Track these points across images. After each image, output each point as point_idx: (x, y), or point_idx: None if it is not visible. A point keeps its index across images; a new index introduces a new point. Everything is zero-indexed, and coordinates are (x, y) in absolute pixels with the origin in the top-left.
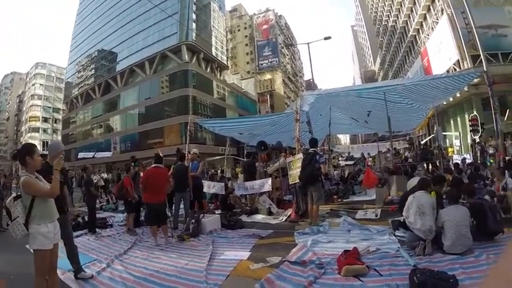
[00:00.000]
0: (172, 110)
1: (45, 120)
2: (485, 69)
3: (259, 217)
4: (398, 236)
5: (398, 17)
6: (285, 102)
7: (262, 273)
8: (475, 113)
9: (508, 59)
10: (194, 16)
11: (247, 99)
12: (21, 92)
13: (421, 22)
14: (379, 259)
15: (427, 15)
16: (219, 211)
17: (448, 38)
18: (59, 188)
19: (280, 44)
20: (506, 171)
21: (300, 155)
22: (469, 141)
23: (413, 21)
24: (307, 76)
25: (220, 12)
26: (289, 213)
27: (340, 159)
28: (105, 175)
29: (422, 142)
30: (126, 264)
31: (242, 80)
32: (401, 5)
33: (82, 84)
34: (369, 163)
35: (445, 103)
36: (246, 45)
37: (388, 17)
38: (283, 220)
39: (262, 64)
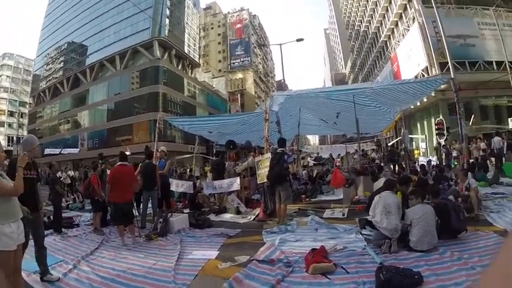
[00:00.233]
0: (142, 106)
1: (11, 114)
2: (452, 77)
3: (227, 216)
4: (365, 234)
5: (370, 23)
6: (255, 102)
7: (230, 273)
8: (441, 117)
9: (474, 67)
10: (168, 12)
11: (217, 98)
12: None
13: (393, 29)
14: (346, 257)
15: (399, 23)
16: (187, 210)
17: (418, 45)
18: (22, 186)
19: (253, 43)
20: (469, 173)
21: (269, 155)
22: (435, 144)
23: (385, 27)
24: (278, 77)
25: (194, 9)
26: (257, 213)
27: (309, 159)
28: (72, 173)
29: (389, 144)
30: (93, 265)
31: (213, 78)
32: (374, 11)
33: (50, 78)
34: (337, 163)
35: (412, 107)
36: (219, 43)
37: (361, 22)
38: (252, 219)
39: (234, 63)
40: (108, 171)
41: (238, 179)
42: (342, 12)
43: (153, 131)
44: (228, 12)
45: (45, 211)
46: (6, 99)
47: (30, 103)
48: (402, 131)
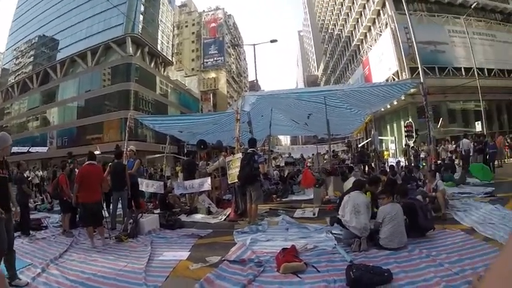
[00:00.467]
0: (113, 104)
1: None
2: (421, 81)
3: (198, 217)
4: (335, 233)
5: (344, 27)
6: (228, 101)
7: (201, 273)
8: (410, 120)
9: (444, 73)
10: (142, 8)
11: (190, 97)
12: None
13: (366, 33)
14: (316, 256)
15: (372, 28)
16: (157, 211)
17: (390, 50)
18: None
19: (226, 43)
20: (437, 174)
21: (239, 155)
22: (404, 145)
23: (358, 31)
24: (251, 77)
25: (169, 6)
26: (228, 213)
27: (280, 159)
28: (40, 172)
29: (359, 145)
30: (62, 268)
31: (186, 77)
32: (348, 16)
33: (19, 72)
34: (308, 164)
35: (382, 110)
36: (193, 42)
37: (335, 26)
38: (223, 219)
39: (207, 62)
40: (77, 171)
41: (209, 179)
42: (317, 15)
43: (124, 129)
44: (203, 10)
45: (13, 212)
46: None
47: None
48: (372, 132)
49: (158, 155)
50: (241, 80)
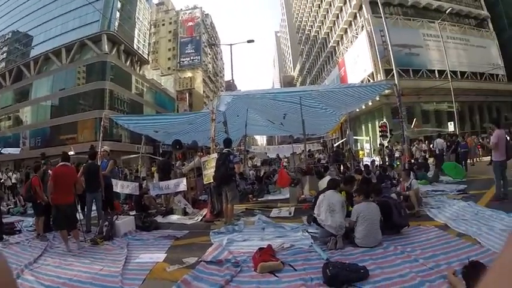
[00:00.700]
0: (88, 103)
1: None
2: (396, 83)
3: (174, 217)
4: (311, 232)
5: (321, 29)
6: (204, 101)
7: (178, 275)
8: (384, 120)
9: (418, 75)
10: (119, 4)
11: (165, 97)
12: None
13: (342, 35)
14: (293, 255)
15: (348, 30)
16: (133, 212)
17: (365, 52)
18: None
19: (203, 42)
20: (411, 173)
21: (215, 155)
22: (378, 145)
23: (335, 33)
24: (227, 77)
25: (146, 4)
26: (204, 213)
27: (257, 158)
28: (14, 174)
29: (335, 145)
30: (37, 273)
31: (162, 76)
32: (325, 18)
33: None
34: (284, 163)
35: (357, 110)
36: (169, 40)
37: (312, 28)
38: (199, 220)
39: (183, 61)
40: (50, 172)
41: (184, 180)
42: (294, 16)
43: (99, 129)
44: (181, 9)
45: None
46: None
47: None
48: (347, 132)
49: (133, 156)
50: (217, 80)
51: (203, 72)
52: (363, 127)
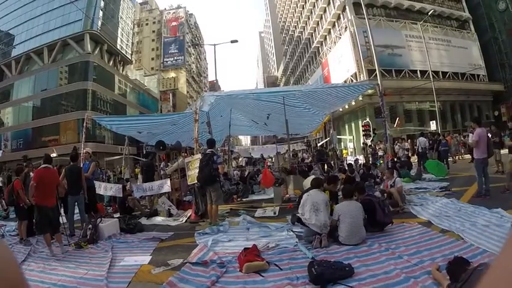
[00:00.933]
0: (70, 104)
1: None
2: (378, 82)
3: (159, 219)
4: (296, 231)
5: (304, 29)
6: (187, 102)
7: (164, 277)
8: (367, 119)
9: (400, 75)
10: (102, 3)
11: (149, 97)
12: None
13: (326, 36)
14: (278, 254)
15: (332, 31)
16: (117, 215)
17: (349, 53)
18: None
19: (187, 42)
20: (395, 171)
21: (199, 156)
22: (362, 144)
23: (319, 34)
24: (211, 77)
25: (130, 3)
26: (189, 214)
27: (241, 159)
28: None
29: (318, 144)
30: None
31: (145, 76)
32: (309, 19)
33: None
34: (268, 163)
35: (341, 110)
36: (153, 40)
37: (295, 28)
38: (183, 221)
39: (167, 61)
40: (32, 174)
41: (168, 181)
42: (278, 17)
43: (82, 130)
44: (165, 9)
45: None
46: None
47: None
48: (331, 132)
49: (117, 157)
50: (201, 80)
51: (187, 73)
52: (346, 126)
